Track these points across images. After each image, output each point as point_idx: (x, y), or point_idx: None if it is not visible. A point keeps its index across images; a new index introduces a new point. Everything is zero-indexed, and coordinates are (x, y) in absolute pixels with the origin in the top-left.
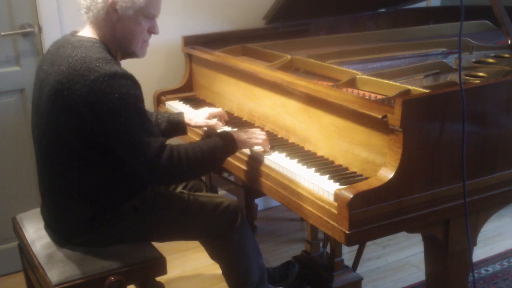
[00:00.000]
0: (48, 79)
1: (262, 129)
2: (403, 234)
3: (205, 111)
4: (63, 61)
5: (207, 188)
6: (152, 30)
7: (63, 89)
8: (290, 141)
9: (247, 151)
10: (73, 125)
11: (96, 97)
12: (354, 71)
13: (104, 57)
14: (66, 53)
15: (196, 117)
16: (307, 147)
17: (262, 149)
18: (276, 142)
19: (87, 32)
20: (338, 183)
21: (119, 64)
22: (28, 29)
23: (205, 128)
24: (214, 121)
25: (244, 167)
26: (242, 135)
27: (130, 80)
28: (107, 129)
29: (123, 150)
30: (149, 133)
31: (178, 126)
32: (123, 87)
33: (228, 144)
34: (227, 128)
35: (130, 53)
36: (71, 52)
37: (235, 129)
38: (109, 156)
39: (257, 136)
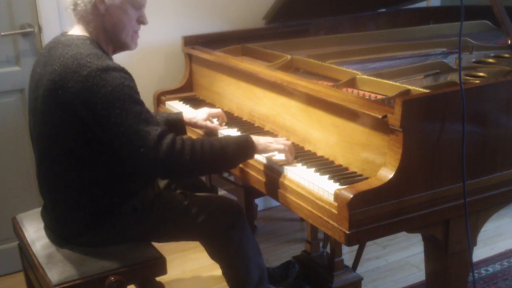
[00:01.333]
0: (42, 80)
1: (263, 129)
2: (403, 234)
3: (204, 111)
4: (55, 61)
5: (207, 188)
6: (141, 20)
7: (57, 88)
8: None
9: None
10: (70, 123)
11: (90, 93)
12: (354, 71)
13: (95, 53)
14: (58, 53)
15: (195, 117)
16: (307, 147)
17: (284, 159)
18: None
19: (77, 30)
20: (338, 183)
21: (111, 59)
22: (28, 29)
23: (202, 131)
24: (213, 124)
25: (242, 166)
26: (261, 140)
27: (122, 72)
28: (105, 123)
29: (122, 143)
30: (147, 122)
31: (177, 126)
32: (116, 79)
33: (244, 146)
34: (227, 128)
35: (121, 45)
36: (62, 51)
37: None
38: (108, 155)
39: (279, 141)
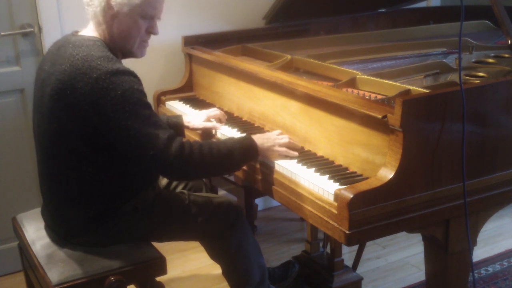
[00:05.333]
0: (49, 79)
1: (263, 129)
2: (403, 234)
3: (203, 113)
4: (65, 60)
5: (207, 188)
6: (151, 30)
7: (65, 88)
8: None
9: None
10: (75, 124)
11: (99, 95)
12: (354, 71)
13: (105, 56)
14: (68, 53)
15: (194, 119)
16: (307, 147)
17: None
18: None
19: (88, 31)
20: (338, 183)
21: (120, 62)
22: (28, 29)
23: (199, 132)
24: (210, 124)
25: (243, 167)
26: (265, 143)
27: (132, 76)
28: (113, 126)
29: (131, 145)
30: (156, 125)
31: (176, 129)
32: (126, 83)
33: (248, 149)
34: (227, 128)
35: (127, 53)
36: (72, 51)
37: (252, 134)
38: (112, 156)
39: (280, 142)
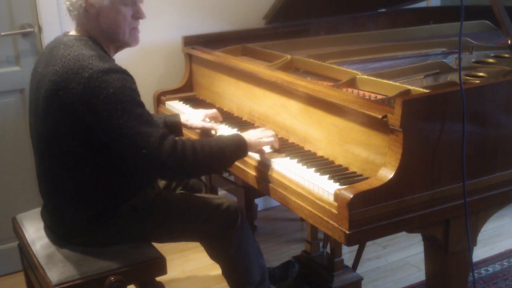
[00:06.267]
0: (43, 80)
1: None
2: (403, 234)
3: (200, 112)
4: (57, 61)
5: (207, 189)
6: (137, 15)
7: (58, 89)
8: (290, 141)
9: None
10: (70, 124)
11: (92, 94)
12: (354, 71)
13: (97, 54)
14: (60, 53)
15: (192, 118)
16: (307, 147)
17: (272, 150)
18: None
19: (78, 31)
20: (338, 183)
21: (112, 60)
22: (28, 29)
23: (198, 131)
24: (209, 124)
25: (243, 167)
26: (252, 137)
27: (124, 74)
28: (106, 125)
29: (124, 144)
30: (149, 124)
31: (174, 127)
32: (118, 81)
33: (239, 146)
34: (224, 128)
35: (121, 44)
36: (64, 52)
37: (237, 131)
38: (108, 155)
39: (266, 135)
